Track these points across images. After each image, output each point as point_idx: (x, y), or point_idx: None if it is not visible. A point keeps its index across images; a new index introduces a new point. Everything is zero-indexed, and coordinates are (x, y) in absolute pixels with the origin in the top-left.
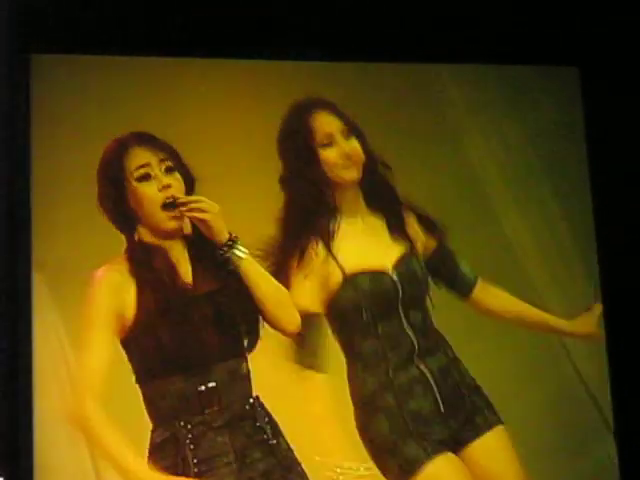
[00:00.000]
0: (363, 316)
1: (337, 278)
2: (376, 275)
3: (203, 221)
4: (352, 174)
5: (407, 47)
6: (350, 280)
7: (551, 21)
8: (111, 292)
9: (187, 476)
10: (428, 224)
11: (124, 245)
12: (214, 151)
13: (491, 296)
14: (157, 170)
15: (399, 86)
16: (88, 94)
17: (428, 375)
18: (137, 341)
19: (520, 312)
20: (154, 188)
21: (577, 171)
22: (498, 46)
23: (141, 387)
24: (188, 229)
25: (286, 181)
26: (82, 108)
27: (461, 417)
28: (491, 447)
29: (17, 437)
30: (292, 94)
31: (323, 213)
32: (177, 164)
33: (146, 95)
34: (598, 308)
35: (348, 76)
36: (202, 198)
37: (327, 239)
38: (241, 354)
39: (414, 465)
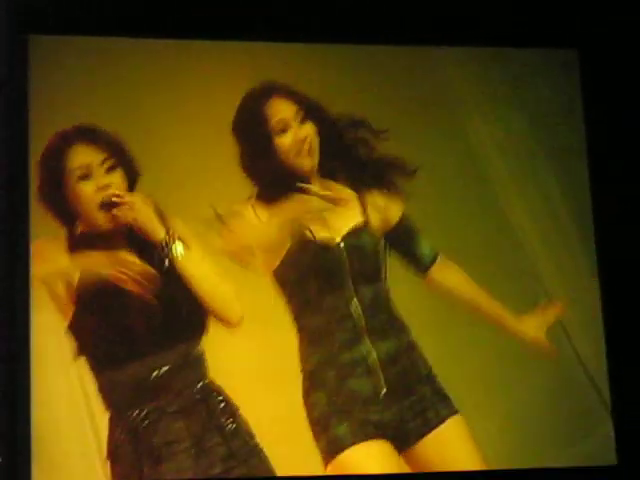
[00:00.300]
0: (308, 288)
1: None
2: (322, 246)
3: (135, 220)
4: (307, 162)
5: (407, 30)
6: (295, 249)
7: (550, 3)
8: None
9: (146, 464)
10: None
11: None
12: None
13: (448, 275)
14: (97, 169)
15: (398, 69)
16: (85, 75)
17: (374, 356)
18: (83, 327)
19: (473, 298)
20: (92, 188)
21: (576, 153)
22: (497, 29)
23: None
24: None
25: (246, 169)
26: (80, 88)
27: (406, 405)
28: (444, 440)
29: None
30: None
31: None
32: (120, 160)
33: (143, 77)
34: (551, 313)
35: (347, 59)
36: (135, 198)
37: None
38: (191, 338)
39: (339, 445)
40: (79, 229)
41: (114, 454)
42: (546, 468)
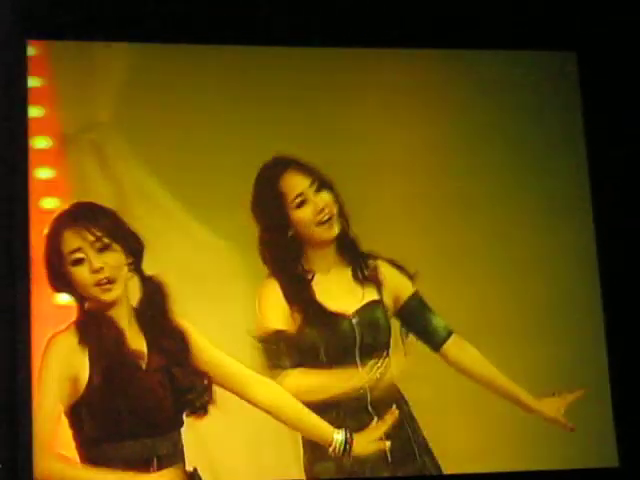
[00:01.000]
0: (320, 357)
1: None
2: (336, 318)
3: None
4: (330, 232)
5: (403, 33)
6: (310, 320)
7: (549, 6)
8: (60, 359)
9: None
10: (400, 269)
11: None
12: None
13: (463, 354)
14: (89, 252)
15: (395, 72)
16: (83, 79)
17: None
18: (89, 407)
19: (489, 377)
20: (86, 271)
21: (575, 156)
22: (496, 31)
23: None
24: (134, 302)
25: (264, 245)
26: (78, 92)
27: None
28: None
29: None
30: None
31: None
32: (118, 235)
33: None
34: (569, 397)
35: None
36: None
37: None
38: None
39: None
40: (87, 305)
41: None
42: (544, 471)
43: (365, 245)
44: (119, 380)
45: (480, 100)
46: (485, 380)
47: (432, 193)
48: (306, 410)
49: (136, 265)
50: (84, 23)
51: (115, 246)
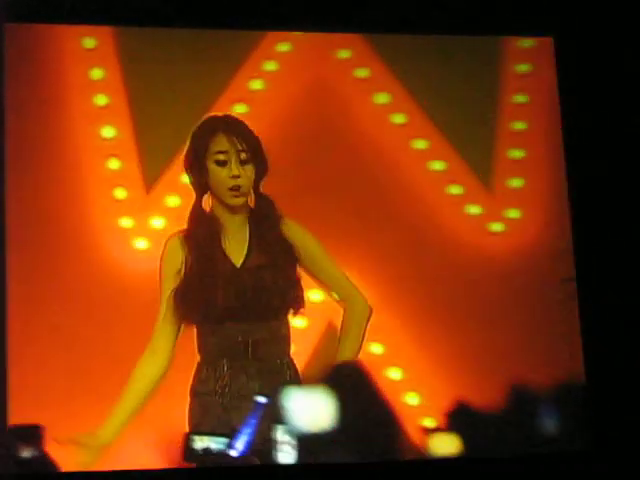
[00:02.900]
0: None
1: None
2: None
3: None
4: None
5: (387, 19)
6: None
7: None
8: (167, 258)
9: (217, 403)
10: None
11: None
12: None
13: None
14: (233, 158)
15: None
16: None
17: None
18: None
19: None
20: (225, 174)
21: (552, 141)
22: (472, 16)
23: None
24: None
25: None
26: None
27: None
28: None
29: None
30: None
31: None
32: (256, 154)
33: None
34: None
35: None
36: None
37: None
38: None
39: None
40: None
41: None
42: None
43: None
44: (212, 273)
45: (454, 85)
46: None
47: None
48: None
49: (256, 184)
50: None
51: (251, 163)
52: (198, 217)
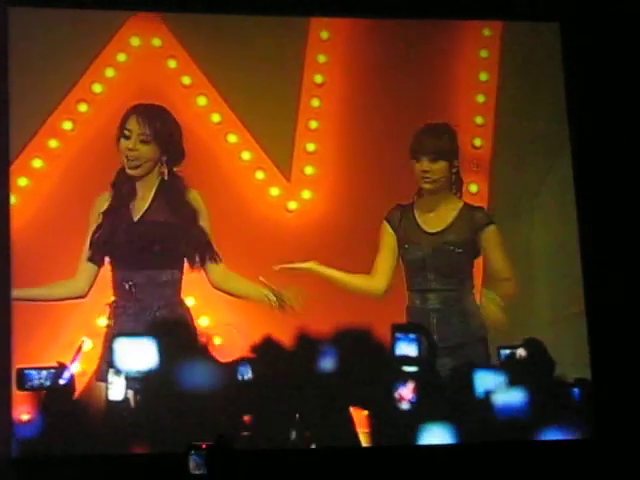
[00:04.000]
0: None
1: None
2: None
3: None
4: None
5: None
6: None
7: None
8: (94, 207)
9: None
10: None
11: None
12: None
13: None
14: (135, 137)
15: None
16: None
17: None
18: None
19: None
20: (125, 146)
21: (558, 126)
22: (478, 2)
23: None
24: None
25: None
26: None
27: None
28: None
29: None
30: None
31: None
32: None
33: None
34: None
35: None
36: None
37: None
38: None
39: None
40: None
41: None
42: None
43: None
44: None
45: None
46: None
47: None
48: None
49: (169, 163)
50: None
51: (153, 145)
52: (120, 179)
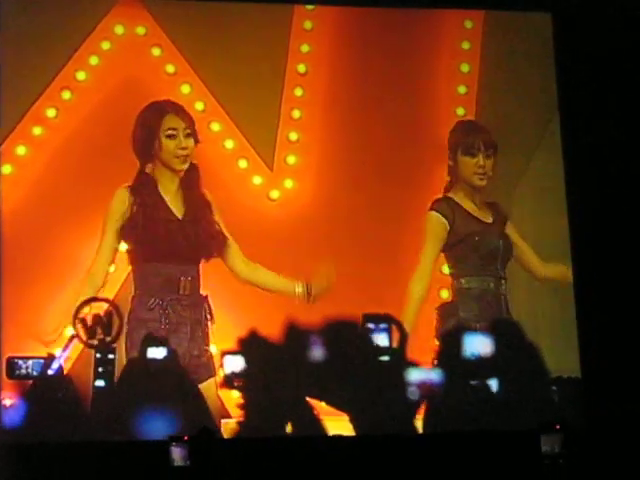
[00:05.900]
0: None
1: None
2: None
3: None
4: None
5: None
6: None
7: None
8: (114, 207)
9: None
10: None
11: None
12: None
13: None
14: (181, 133)
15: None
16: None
17: None
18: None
19: None
20: (174, 145)
21: (549, 117)
22: None
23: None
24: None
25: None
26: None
27: None
28: None
29: None
30: None
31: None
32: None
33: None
34: None
35: None
36: None
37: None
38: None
39: None
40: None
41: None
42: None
43: None
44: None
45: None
46: None
47: None
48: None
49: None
50: None
51: (192, 137)
52: (143, 178)
